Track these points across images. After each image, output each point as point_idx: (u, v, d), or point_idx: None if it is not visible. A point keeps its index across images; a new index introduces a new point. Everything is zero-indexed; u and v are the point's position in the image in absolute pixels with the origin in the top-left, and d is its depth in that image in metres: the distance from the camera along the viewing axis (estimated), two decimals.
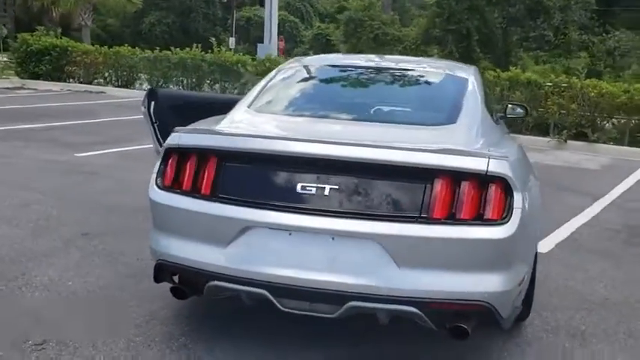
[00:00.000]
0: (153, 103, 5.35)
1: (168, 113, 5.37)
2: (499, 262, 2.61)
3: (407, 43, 22.49)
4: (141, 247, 4.46)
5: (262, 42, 17.45)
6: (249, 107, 3.40)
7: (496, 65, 17.29)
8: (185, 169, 2.86)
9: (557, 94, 11.48)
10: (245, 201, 2.71)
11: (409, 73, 3.90)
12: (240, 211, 2.70)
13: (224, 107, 5.44)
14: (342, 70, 3.95)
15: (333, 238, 2.61)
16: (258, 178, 2.77)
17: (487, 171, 2.56)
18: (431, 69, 3.98)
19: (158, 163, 2.98)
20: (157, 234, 2.96)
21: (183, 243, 2.83)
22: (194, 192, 2.81)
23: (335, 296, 2.60)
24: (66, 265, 4.05)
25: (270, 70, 14.87)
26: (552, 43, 21.67)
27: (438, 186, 2.57)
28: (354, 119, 3.30)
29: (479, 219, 2.56)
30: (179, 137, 2.92)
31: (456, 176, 2.58)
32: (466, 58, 21.00)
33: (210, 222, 2.75)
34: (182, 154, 2.89)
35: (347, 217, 2.59)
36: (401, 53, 22.19)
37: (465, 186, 2.57)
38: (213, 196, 2.77)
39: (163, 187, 2.91)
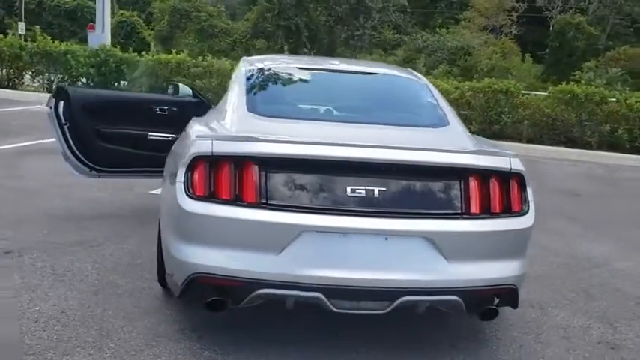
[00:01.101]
0: (62, 103, 4.90)
1: (82, 114, 4.95)
2: (521, 249, 2.98)
3: (236, 37, 22.51)
4: (82, 260, 4.11)
5: (62, 28, 16.05)
6: (249, 111, 3.33)
7: None
8: (222, 178, 2.76)
9: None
10: (297, 207, 2.73)
11: (380, 77, 4.13)
12: (295, 217, 2.71)
13: (145, 107, 5.15)
14: (318, 73, 4.02)
15: (386, 238, 2.75)
16: (306, 183, 2.78)
17: (510, 168, 2.91)
18: (392, 72, 4.26)
19: (183, 172, 2.83)
20: (190, 246, 2.80)
21: (226, 253, 2.74)
22: (237, 201, 2.74)
23: (388, 293, 2.75)
24: (13, 288, 3.59)
25: (106, 61, 14.13)
26: (372, 42, 23.39)
27: (473, 184, 2.84)
28: (364, 122, 3.42)
29: (507, 212, 2.89)
30: (211, 145, 2.80)
31: (485, 174, 2.87)
32: (295, 53, 21.70)
33: (261, 230, 2.71)
34: (213, 162, 2.79)
35: (398, 217, 2.75)
36: (231, 46, 22.19)
37: (493, 183, 2.88)
38: (261, 204, 2.73)
39: (196, 197, 2.78)
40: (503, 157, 2.94)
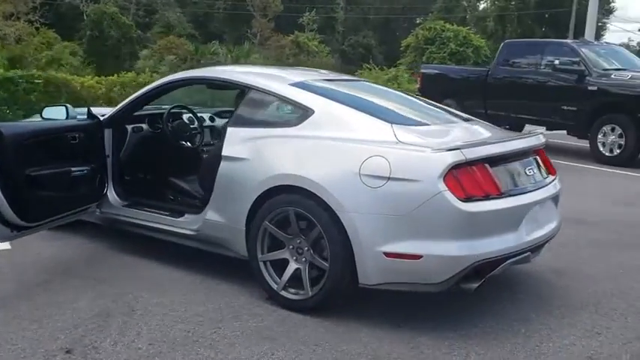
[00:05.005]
0: None
1: (14, 157, 3.76)
2: None
3: None
4: (169, 321, 3.61)
5: None
6: (387, 121, 3.63)
7: None
8: (472, 178, 3.30)
9: None
10: (523, 190, 3.55)
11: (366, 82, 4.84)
12: (525, 198, 3.53)
13: (62, 137, 4.21)
14: (347, 83, 4.38)
15: (545, 202, 3.80)
16: (511, 171, 3.58)
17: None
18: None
19: (441, 180, 3.19)
20: (466, 241, 3.26)
21: (493, 238, 3.35)
22: (490, 194, 3.34)
23: (547, 240, 3.83)
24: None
25: None
26: None
27: (543, 157, 4.10)
28: (449, 122, 4.15)
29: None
30: (462, 152, 3.28)
31: (542, 149, 4.20)
32: None
33: (510, 214, 3.43)
34: (463, 167, 3.28)
35: (545, 186, 3.84)
36: None
37: (543, 154, 4.22)
38: (502, 194, 3.41)
39: (463, 199, 3.23)
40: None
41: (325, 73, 4.91)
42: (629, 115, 9.88)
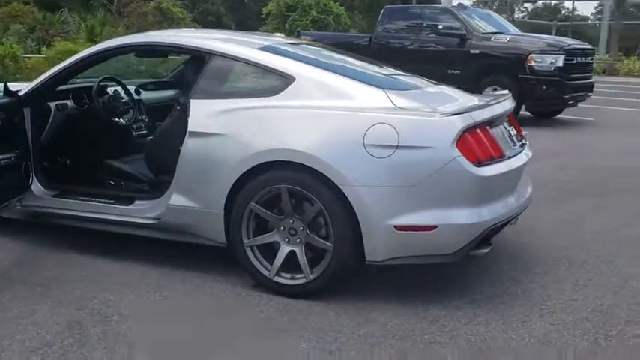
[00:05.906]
0: None
1: None
2: None
3: None
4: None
5: None
6: (379, 88, 3.39)
7: None
8: (480, 142, 3.20)
9: None
10: (514, 153, 3.50)
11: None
12: (518, 161, 3.49)
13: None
14: (314, 49, 4.03)
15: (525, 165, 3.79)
16: (502, 134, 3.52)
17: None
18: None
19: (455, 146, 3.06)
20: (481, 207, 3.17)
21: (499, 203, 3.30)
22: (494, 158, 3.26)
23: (528, 204, 3.82)
24: None
25: None
26: None
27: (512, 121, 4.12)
28: (425, 86, 3.94)
29: None
30: (471, 116, 3.17)
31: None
32: None
33: (510, 177, 3.38)
34: (470, 131, 3.16)
35: (521, 152, 3.80)
36: None
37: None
38: (504, 157, 3.34)
39: (476, 164, 3.12)
40: None
41: (281, 36, 4.55)
42: (510, 76, 10.50)
